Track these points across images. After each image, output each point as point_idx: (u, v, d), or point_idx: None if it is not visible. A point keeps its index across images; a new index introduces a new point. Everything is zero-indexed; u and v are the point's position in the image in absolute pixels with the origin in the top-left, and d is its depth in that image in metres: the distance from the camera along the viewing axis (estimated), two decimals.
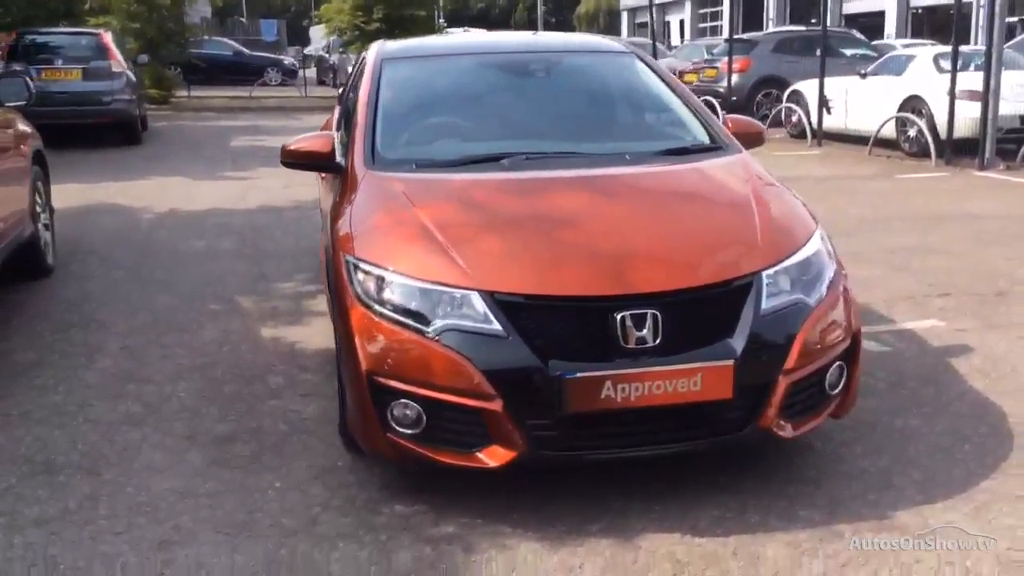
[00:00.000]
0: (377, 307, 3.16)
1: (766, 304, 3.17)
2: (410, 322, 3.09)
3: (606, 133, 4.28)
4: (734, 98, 16.37)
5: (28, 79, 5.98)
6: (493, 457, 3.05)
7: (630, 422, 3.10)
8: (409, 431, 3.11)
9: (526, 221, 3.44)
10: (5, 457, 3.69)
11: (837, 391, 3.38)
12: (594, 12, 62.10)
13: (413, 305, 3.12)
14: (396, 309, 3.13)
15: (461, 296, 3.08)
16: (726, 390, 3.05)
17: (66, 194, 9.97)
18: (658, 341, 3.03)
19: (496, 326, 3.01)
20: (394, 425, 3.12)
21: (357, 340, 3.18)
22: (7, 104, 5.82)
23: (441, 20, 62.14)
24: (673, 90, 4.48)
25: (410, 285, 3.15)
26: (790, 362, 3.14)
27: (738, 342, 3.08)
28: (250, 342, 5.11)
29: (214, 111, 21.29)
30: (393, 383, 3.09)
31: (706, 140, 4.19)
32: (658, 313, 3.03)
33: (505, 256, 3.24)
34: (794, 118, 14.98)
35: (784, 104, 15.27)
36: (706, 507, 3.22)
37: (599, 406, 2.99)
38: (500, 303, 3.04)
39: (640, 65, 4.69)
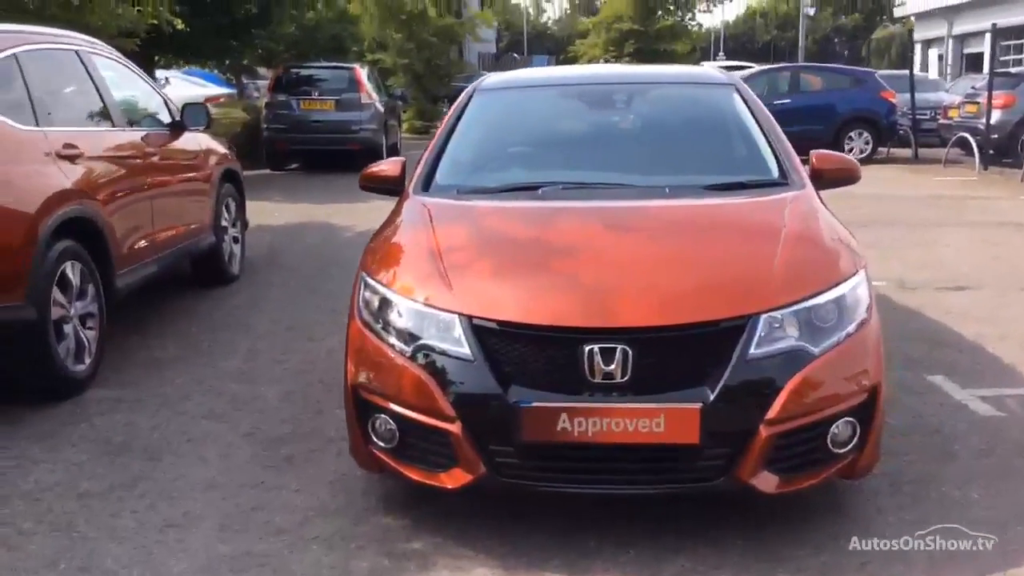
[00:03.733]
0: (371, 322, 3.30)
1: (756, 348, 2.98)
2: (394, 340, 3.20)
3: (664, 165, 4.16)
4: (994, 136, 15.02)
5: (208, 107, 6.70)
6: (452, 479, 3.08)
7: (594, 458, 3.03)
8: (386, 445, 3.22)
9: (527, 250, 3.45)
10: (94, 436, 4.16)
11: (847, 449, 3.09)
12: (886, 43, 59.13)
13: (403, 324, 3.22)
14: (387, 327, 3.25)
15: (445, 319, 3.14)
16: (692, 435, 2.90)
17: (293, 211, 11.04)
18: (626, 378, 2.94)
19: (465, 350, 3.05)
20: (375, 439, 3.24)
21: (349, 353, 3.34)
22: (192, 129, 6.50)
23: (721, 54, 61.47)
24: (760, 124, 4.28)
25: (404, 305, 3.25)
26: (773, 412, 2.93)
27: (713, 386, 2.92)
28: None
29: None
30: (373, 398, 3.21)
31: (773, 176, 3.98)
32: (628, 349, 2.94)
33: (491, 282, 3.27)
34: None
35: None
36: (680, 557, 3.06)
37: (555, 438, 2.94)
38: (476, 328, 3.08)
39: (735, 97, 4.52)
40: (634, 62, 22.59)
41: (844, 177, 4.18)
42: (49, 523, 3.37)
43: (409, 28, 22.94)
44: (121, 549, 3.19)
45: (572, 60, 28.14)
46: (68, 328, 4.61)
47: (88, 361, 4.77)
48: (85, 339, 4.76)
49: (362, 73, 15.74)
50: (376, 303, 3.34)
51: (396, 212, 3.98)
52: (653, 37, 23.14)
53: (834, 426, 3.05)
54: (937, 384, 4.65)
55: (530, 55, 51.14)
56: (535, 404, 2.94)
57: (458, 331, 3.09)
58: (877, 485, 3.55)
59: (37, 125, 4.65)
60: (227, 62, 17.88)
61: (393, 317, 3.25)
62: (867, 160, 15.91)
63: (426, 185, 4.09)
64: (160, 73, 20.63)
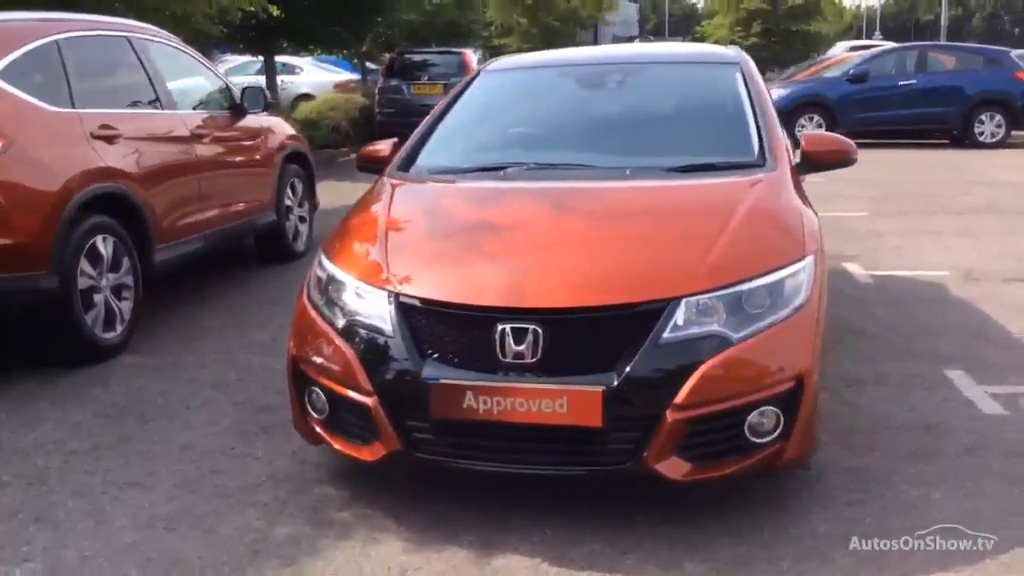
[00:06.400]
0: (316, 297, 3.40)
1: (670, 333, 2.92)
2: (329, 315, 3.29)
3: (638, 146, 4.07)
4: None
5: (266, 90, 6.96)
6: (371, 452, 3.15)
7: (504, 436, 3.03)
8: (319, 417, 3.32)
9: (465, 229, 3.48)
10: (104, 399, 4.43)
11: (768, 440, 2.98)
12: None
13: (339, 300, 3.31)
14: (329, 302, 3.34)
15: (375, 296, 3.21)
16: (595, 418, 2.87)
17: None
18: (536, 358, 2.94)
19: (387, 326, 3.11)
20: (311, 410, 3.35)
21: (293, 326, 3.45)
22: (252, 111, 6.77)
23: (877, 33, 58.65)
24: (752, 105, 4.13)
25: (342, 281, 3.34)
26: (681, 397, 2.86)
27: (620, 369, 2.88)
28: None
29: None
30: (309, 371, 3.31)
31: (752, 157, 3.84)
32: (539, 329, 2.93)
33: (421, 261, 3.32)
34: None
35: None
36: (594, 540, 3.03)
37: (461, 415, 2.97)
38: (402, 306, 3.13)
39: (736, 77, 4.37)
40: (761, 43, 21.96)
41: (837, 160, 4.02)
42: (28, 477, 3.63)
43: (534, 13, 23.01)
44: (78, 504, 3.40)
45: (697, 41, 27.51)
46: (98, 298, 4.91)
47: (120, 329, 5.06)
48: (117, 309, 5.05)
49: (472, 58, 15.94)
50: (323, 278, 3.44)
51: (368, 191, 4.07)
52: (783, 16, 22.30)
53: (753, 414, 2.94)
54: (952, 379, 4.39)
55: (671, 36, 50.52)
56: (442, 380, 2.97)
57: (385, 308, 3.15)
58: (836, 479, 3.43)
59: (73, 107, 4.96)
60: (349, 49, 18.32)
61: (332, 293, 3.34)
62: (1000, 144, 15.00)
63: (404, 164, 4.16)
64: (292, 60, 21.53)
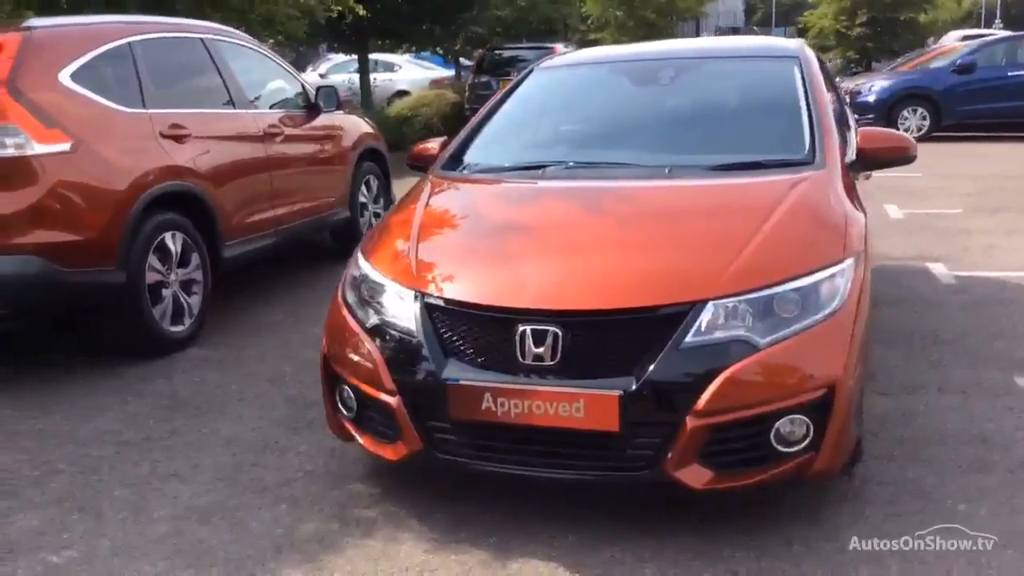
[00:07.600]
0: (348, 295, 3.43)
1: (692, 337, 2.84)
2: (359, 312, 3.31)
3: (684, 144, 3.97)
4: None
5: (337, 91, 7.08)
6: (395, 451, 3.16)
7: (523, 439, 2.99)
8: (349, 415, 3.35)
9: (494, 230, 3.45)
10: (164, 391, 4.57)
11: (796, 449, 2.87)
12: None
13: (368, 298, 3.33)
14: (360, 300, 3.37)
15: (402, 295, 3.22)
16: (612, 422, 2.81)
17: None
18: (555, 361, 2.90)
19: (411, 326, 3.11)
20: (341, 408, 3.38)
21: (326, 325, 3.49)
22: (325, 109, 6.89)
23: (997, 21, 56.04)
24: (807, 100, 3.97)
25: (372, 279, 3.36)
26: (701, 404, 2.78)
27: (639, 373, 2.81)
28: None
29: None
30: (339, 369, 3.34)
31: (799, 155, 3.69)
32: (558, 332, 2.89)
33: (448, 261, 3.31)
34: None
35: None
36: (615, 547, 2.98)
37: (479, 416, 2.95)
38: (426, 306, 3.13)
39: (794, 71, 4.21)
40: (867, 33, 21.20)
41: (894, 156, 3.84)
42: (81, 466, 3.76)
43: (631, 5, 22.79)
44: (123, 493, 3.51)
45: (801, 33, 26.77)
46: (166, 292, 5.06)
47: (188, 323, 5.21)
48: (185, 303, 5.20)
49: (562, 52, 15.87)
50: (357, 277, 3.46)
51: (410, 190, 4.08)
52: (890, 4, 21.42)
53: (780, 423, 2.84)
54: (1022, 388, 4.17)
55: (777, 28, 49.47)
56: (461, 382, 2.95)
57: (411, 308, 3.15)
58: (879, 491, 3.29)
59: (144, 107, 5.12)
60: (441, 46, 18.48)
61: (364, 292, 3.37)
62: None
63: (449, 163, 4.16)
64: (390, 57, 21.87)
